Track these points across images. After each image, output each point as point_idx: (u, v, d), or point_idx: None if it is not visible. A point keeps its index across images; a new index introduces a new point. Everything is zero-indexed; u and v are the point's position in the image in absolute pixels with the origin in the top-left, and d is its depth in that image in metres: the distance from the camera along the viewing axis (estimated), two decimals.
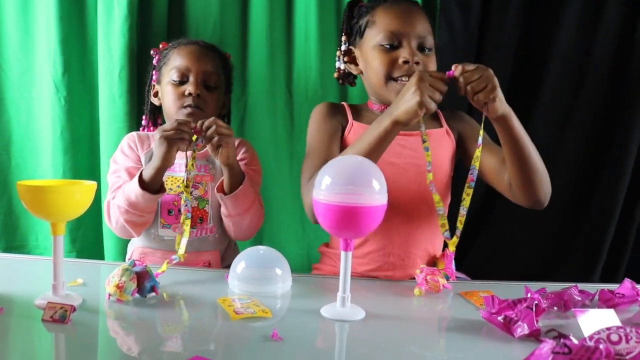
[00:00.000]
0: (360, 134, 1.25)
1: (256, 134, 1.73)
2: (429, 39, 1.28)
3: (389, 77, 1.27)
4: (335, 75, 1.43)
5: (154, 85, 1.46)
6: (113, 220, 1.34)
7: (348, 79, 1.43)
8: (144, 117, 1.53)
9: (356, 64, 1.37)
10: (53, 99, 1.65)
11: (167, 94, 1.39)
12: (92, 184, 0.98)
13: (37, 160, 1.72)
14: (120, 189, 1.31)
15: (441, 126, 1.36)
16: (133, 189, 1.25)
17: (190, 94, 1.36)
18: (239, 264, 1.10)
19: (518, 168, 1.17)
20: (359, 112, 1.38)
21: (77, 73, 1.68)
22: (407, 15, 1.27)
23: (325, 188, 0.92)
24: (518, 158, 1.16)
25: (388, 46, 1.26)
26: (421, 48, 1.27)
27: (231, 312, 0.94)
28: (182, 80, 1.38)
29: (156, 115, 1.55)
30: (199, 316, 0.97)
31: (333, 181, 0.92)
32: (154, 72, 1.47)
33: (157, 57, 1.47)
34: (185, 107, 1.36)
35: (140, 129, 1.53)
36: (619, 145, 1.65)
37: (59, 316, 0.88)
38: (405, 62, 1.24)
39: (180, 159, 1.34)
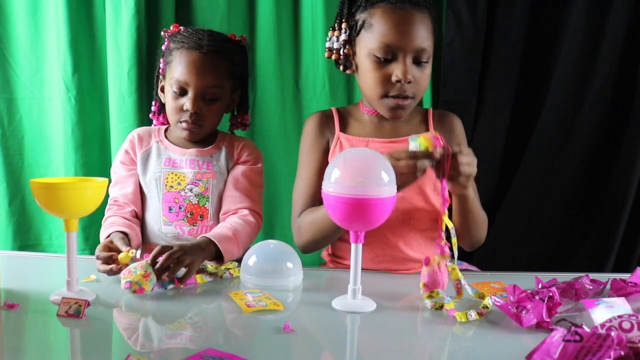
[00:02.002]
0: (345, 147, 1.30)
1: (265, 129, 1.74)
2: (426, 50, 1.22)
3: (382, 95, 1.24)
4: (333, 57, 1.31)
5: (161, 78, 1.43)
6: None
7: (345, 63, 1.32)
8: (153, 102, 1.49)
9: (350, 62, 1.31)
10: (63, 98, 1.67)
11: (168, 100, 1.37)
12: (104, 181, 0.99)
13: (49, 159, 1.74)
14: (105, 222, 1.31)
15: (427, 130, 1.34)
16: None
17: (187, 110, 1.32)
18: (250, 258, 1.10)
19: (462, 222, 1.23)
20: (348, 118, 1.36)
21: (86, 73, 1.70)
22: (406, 25, 1.20)
23: (334, 181, 0.93)
24: (464, 218, 1.23)
25: (382, 59, 1.21)
26: (417, 61, 1.22)
27: (243, 306, 0.94)
28: (182, 92, 1.33)
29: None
30: (211, 310, 0.98)
31: (342, 174, 0.93)
32: (162, 60, 1.41)
33: (166, 43, 1.41)
34: (182, 122, 1.34)
35: (150, 114, 1.51)
36: (632, 133, 1.63)
37: (74, 311, 0.89)
38: (398, 80, 1.21)
39: (181, 155, 1.37)
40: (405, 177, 1.05)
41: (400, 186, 1.00)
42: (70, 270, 0.97)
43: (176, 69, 1.33)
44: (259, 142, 1.69)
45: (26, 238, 1.77)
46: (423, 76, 1.24)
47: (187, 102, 1.32)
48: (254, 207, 1.37)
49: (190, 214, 1.36)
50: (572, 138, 1.68)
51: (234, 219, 1.31)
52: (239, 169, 1.40)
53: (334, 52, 1.30)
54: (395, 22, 1.20)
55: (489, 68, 1.68)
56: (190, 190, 1.35)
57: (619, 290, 1.05)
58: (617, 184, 1.66)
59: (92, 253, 1.67)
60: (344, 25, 1.27)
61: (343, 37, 1.27)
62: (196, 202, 1.36)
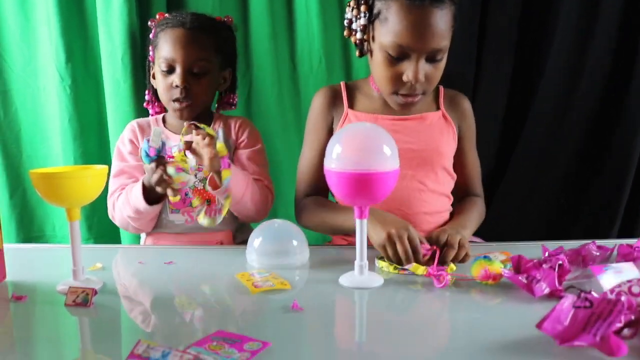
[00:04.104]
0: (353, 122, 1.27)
1: (263, 109, 1.72)
2: (442, 48, 1.17)
3: (392, 92, 1.22)
4: (352, 40, 1.25)
5: (152, 66, 1.43)
6: (120, 224, 1.38)
7: (362, 49, 1.26)
8: (146, 91, 1.50)
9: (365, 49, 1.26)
10: (58, 87, 1.65)
11: (158, 82, 1.38)
12: (104, 168, 0.98)
13: (47, 150, 1.73)
14: (123, 195, 1.33)
15: (438, 109, 1.32)
16: (138, 202, 1.27)
17: (177, 86, 1.33)
18: (256, 239, 1.10)
19: None
20: (357, 93, 1.34)
21: (80, 60, 1.67)
22: (422, 26, 1.13)
23: (336, 157, 0.92)
24: None
25: (395, 57, 1.17)
26: (431, 59, 1.18)
27: (250, 286, 0.94)
28: (170, 70, 1.34)
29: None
30: (219, 292, 0.98)
31: (344, 149, 0.92)
32: (150, 48, 1.43)
33: (153, 31, 1.42)
34: (174, 100, 1.35)
35: (144, 104, 1.51)
36: (635, 91, 1.62)
37: (81, 300, 0.89)
38: (409, 80, 1.18)
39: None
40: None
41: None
42: (75, 260, 0.97)
43: (162, 48, 1.35)
44: (257, 121, 1.67)
45: (29, 230, 1.76)
46: (436, 72, 1.20)
47: (175, 78, 1.32)
48: (267, 184, 1.40)
49: (198, 200, 1.35)
50: (573, 105, 1.66)
51: None
52: (243, 155, 1.40)
53: (353, 33, 1.24)
54: (412, 22, 1.13)
55: (486, 39, 1.66)
56: (195, 175, 1.34)
57: (626, 255, 1.05)
58: (620, 151, 1.65)
59: (96, 241, 1.70)
60: (362, 8, 1.19)
61: (362, 21, 1.20)
62: (202, 187, 1.35)
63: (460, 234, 1.10)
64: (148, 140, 1.15)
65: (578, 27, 1.63)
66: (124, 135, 1.43)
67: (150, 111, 1.52)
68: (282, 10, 1.70)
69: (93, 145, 1.70)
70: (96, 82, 1.69)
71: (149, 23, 1.45)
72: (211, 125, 1.42)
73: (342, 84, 1.36)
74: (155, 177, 1.17)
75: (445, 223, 1.29)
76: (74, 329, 0.85)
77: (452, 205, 1.38)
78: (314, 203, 1.31)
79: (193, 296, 0.96)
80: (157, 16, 1.44)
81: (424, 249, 1.05)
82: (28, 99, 1.71)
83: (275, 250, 1.08)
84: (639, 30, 1.61)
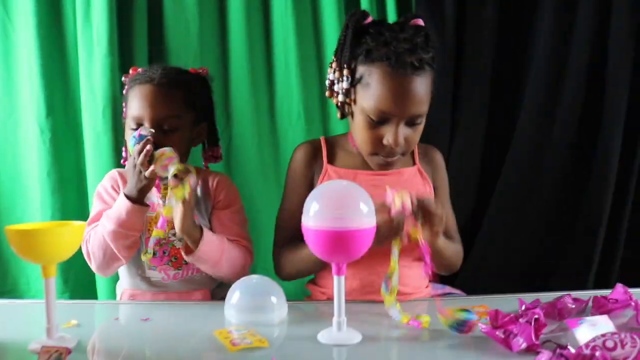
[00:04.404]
0: (333, 179, 1.28)
1: (243, 163, 1.74)
2: (422, 113, 1.20)
3: (372, 153, 1.24)
4: (334, 101, 1.27)
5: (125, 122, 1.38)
6: (97, 254, 1.28)
7: (343, 112, 1.28)
8: (123, 148, 1.46)
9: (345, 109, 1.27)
10: (38, 141, 1.65)
11: (127, 138, 1.34)
12: (82, 224, 0.98)
13: (25, 203, 1.71)
14: (101, 221, 1.28)
15: (413, 164, 1.35)
16: (121, 207, 1.24)
17: None
18: (234, 294, 1.09)
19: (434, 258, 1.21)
20: (336, 149, 1.35)
21: (60, 114, 1.68)
22: (403, 94, 1.16)
23: (313, 214, 0.93)
24: (436, 255, 1.21)
25: (375, 121, 1.19)
26: (411, 123, 1.20)
27: (228, 344, 0.93)
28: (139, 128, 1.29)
29: None
30: (197, 350, 0.97)
31: (321, 207, 0.93)
32: (123, 104, 1.40)
33: (126, 87, 1.39)
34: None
35: (122, 160, 1.48)
36: (602, 149, 1.67)
37: None
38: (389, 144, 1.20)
39: (157, 198, 1.35)
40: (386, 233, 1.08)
41: (379, 241, 1.02)
42: (49, 317, 0.95)
43: (131, 106, 1.32)
44: (237, 176, 1.69)
45: (3, 284, 1.72)
46: (415, 135, 1.23)
47: None
48: (246, 244, 1.38)
49: (175, 258, 1.33)
50: (546, 157, 1.71)
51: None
52: (223, 215, 1.38)
53: (335, 94, 1.25)
54: (393, 89, 1.16)
55: (460, 91, 1.71)
56: (174, 235, 1.32)
57: (601, 307, 1.06)
58: (593, 201, 1.68)
59: (72, 296, 1.67)
60: (345, 72, 1.20)
61: (345, 84, 1.21)
62: (180, 245, 1.32)
63: (443, 210, 1.15)
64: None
65: (548, 81, 1.68)
66: (105, 183, 1.39)
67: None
68: (262, 65, 1.75)
69: (72, 199, 1.69)
70: (76, 135, 1.70)
71: (123, 78, 1.43)
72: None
73: (322, 139, 1.37)
74: (142, 156, 1.18)
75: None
76: None
77: None
78: (289, 246, 1.30)
79: (169, 354, 0.94)
80: (130, 71, 1.41)
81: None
82: (8, 152, 1.70)
83: (253, 306, 1.07)
84: (604, 89, 1.67)
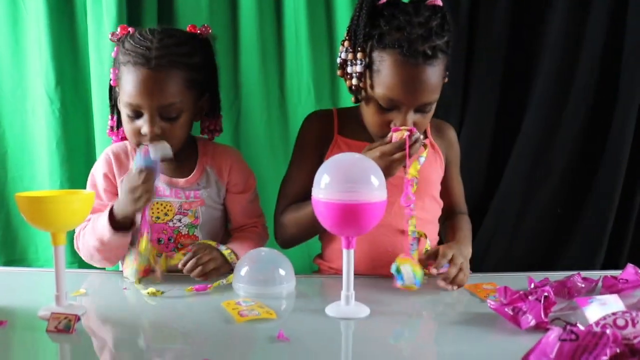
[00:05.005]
0: (343, 150, 1.27)
1: (251, 138, 1.73)
2: (432, 101, 1.18)
3: (381, 136, 1.22)
4: (347, 83, 1.23)
5: (116, 90, 1.25)
6: (84, 254, 1.25)
7: (357, 94, 1.24)
8: (109, 117, 1.33)
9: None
10: (47, 111, 1.65)
11: (123, 121, 1.22)
12: (91, 193, 0.98)
13: (33, 173, 1.72)
14: (90, 224, 1.21)
15: (425, 137, 1.33)
16: (104, 230, 1.16)
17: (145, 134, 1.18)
18: (242, 267, 1.09)
19: None
20: (347, 120, 1.34)
21: (70, 84, 1.68)
22: (414, 83, 1.14)
23: (324, 187, 0.93)
24: None
25: (385, 107, 1.18)
26: (421, 110, 1.18)
27: (236, 315, 0.93)
28: (137, 115, 1.18)
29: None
30: (204, 320, 0.97)
31: (332, 179, 0.92)
32: (112, 71, 1.24)
33: (115, 49, 1.24)
34: (143, 144, 1.17)
35: (108, 131, 1.34)
36: (616, 130, 1.65)
37: (64, 326, 0.87)
38: None
39: (163, 182, 1.27)
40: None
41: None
42: (58, 285, 0.96)
43: (125, 89, 1.17)
44: (245, 149, 1.68)
45: (11, 253, 1.73)
46: (424, 120, 1.22)
47: (144, 125, 1.17)
48: (263, 222, 1.41)
49: (181, 245, 1.28)
50: (557, 137, 1.69)
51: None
52: (242, 199, 1.36)
53: (347, 76, 1.22)
54: (404, 78, 1.13)
55: (472, 72, 1.69)
56: (180, 220, 1.27)
57: (611, 287, 1.06)
58: (604, 182, 1.67)
59: (81, 266, 1.67)
60: (359, 55, 1.17)
61: (359, 68, 1.18)
62: (186, 232, 1.29)
63: (463, 256, 1.14)
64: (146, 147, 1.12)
65: (562, 58, 1.66)
66: (98, 170, 1.29)
67: (114, 138, 1.33)
68: (272, 40, 1.72)
69: (80, 169, 1.69)
70: (85, 106, 1.69)
71: (109, 36, 1.27)
72: (198, 164, 1.31)
73: (334, 109, 1.36)
74: (141, 189, 1.10)
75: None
76: (55, 356, 0.84)
77: (441, 226, 1.40)
78: (290, 210, 1.31)
79: (177, 324, 0.95)
80: (119, 30, 1.25)
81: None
82: (16, 121, 1.70)
83: (261, 279, 1.08)
84: (619, 65, 1.65)
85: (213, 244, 1.23)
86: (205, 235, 1.30)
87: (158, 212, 1.26)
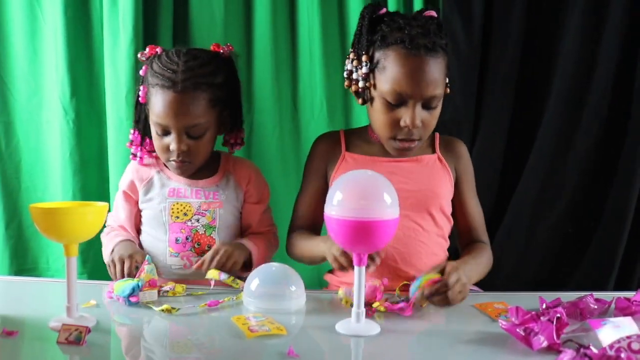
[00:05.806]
0: (351, 167, 1.29)
1: (263, 151, 1.74)
2: (437, 95, 1.21)
3: (390, 137, 1.25)
4: (353, 88, 1.27)
5: (145, 108, 1.32)
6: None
7: (364, 97, 1.27)
8: (131, 130, 1.38)
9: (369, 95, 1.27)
10: (61, 121, 1.67)
11: (154, 138, 1.31)
12: (104, 205, 0.98)
13: (46, 183, 1.73)
14: (104, 239, 1.35)
15: (433, 152, 1.34)
16: (106, 255, 1.30)
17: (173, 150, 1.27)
18: (253, 282, 1.09)
19: None
20: (355, 138, 1.36)
21: (84, 96, 1.70)
22: (418, 73, 1.18)
23: (337, 204, 0.92)
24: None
25: (392, 103, 1.21)
26: (427, 106, 1.21)
27: (246, 330, 0.93)
28: (165, 133, 1.27)
29: (147, 127, 1.33)
30: (214, 335, 0.97)
31: (345, 196, 0.92)
32: (142, 88, 1.31)
33: (144, 68, 1.31)
34: (171, 160, 1.29)
35: (127, 144, 1.38)
36: (629, 148, 1.64)
37: (74, 338, 0.87)
38: (406, 126, 1.21)
39: (184, 184, 1.34)
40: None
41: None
42: (70, 296, 0.96)
43: (155, 109, 1.26)
44: (257, 163, 1.67)
45: (23, 262, 1.75)
46: (432, 119, 1.24)
47: (172, 142, 1.26)
48: (275, 230, 1.47)
49: (198, 245, 1.32)
50: (570, 155, 1.68)
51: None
52: (258, 209, 1.42)
53: (353, 82, 1.26)
54: (408, 69, 1.18)
55: (485, 88, 1.69)
56: (197, 220, 1.33)
57: (624, 309, 1.05)
58: (616, 201, 1.66)
59: (91, 277, 1.68)
60: (364, 58, 1.23)
61: (364, 70, 1.23)
62: (203, 232, 1.33)
63: (467, 277, 1.11)
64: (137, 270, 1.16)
65: (576, 75, 1.66)
66: (126, 174, 1.39)
67: (139, 154, 1.37)
68: (286, 55, 1.74)
69: (93, 180, 1.71)
70: (99, 118, 1.71)
71: (139, 56, 1.35)
72: (220, 168, 1.39)
73: (342, 131, 1.39)
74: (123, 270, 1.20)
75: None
76: None
77: (458, 249, 1.39)
78: (301, 233, 1.34)
79: (188, 338, 0.95)
80: (147, 50, 1.33)
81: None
82: (31, 131, 1.73)
83: (271, 294, 1.07)
84: (632, 84, 1.64)
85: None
86: (222, 240, 1.35)
87: (177, 212, 1.33)
